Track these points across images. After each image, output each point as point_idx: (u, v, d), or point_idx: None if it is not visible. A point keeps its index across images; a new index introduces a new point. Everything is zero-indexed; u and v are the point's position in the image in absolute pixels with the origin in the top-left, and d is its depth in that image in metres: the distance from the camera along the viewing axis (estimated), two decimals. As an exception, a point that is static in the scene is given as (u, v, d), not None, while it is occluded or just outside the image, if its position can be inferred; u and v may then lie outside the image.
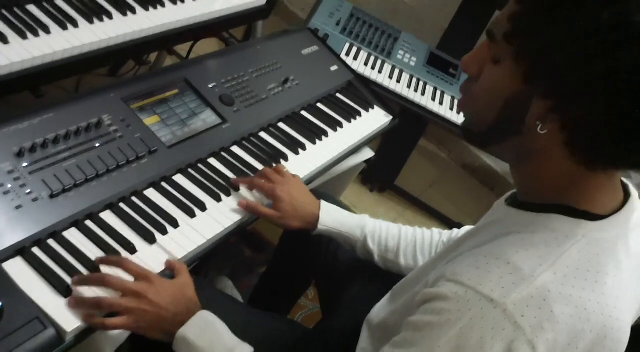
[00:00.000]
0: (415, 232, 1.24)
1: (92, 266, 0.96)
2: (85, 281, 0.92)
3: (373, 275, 1.27)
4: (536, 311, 0.70)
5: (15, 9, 1.20)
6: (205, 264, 1.86)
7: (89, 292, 0.91)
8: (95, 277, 0.93)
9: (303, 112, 1.53)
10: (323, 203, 1.24)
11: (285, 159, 1.36)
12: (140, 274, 0.96)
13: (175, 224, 1.10)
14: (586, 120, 0.71)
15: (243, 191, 1.23)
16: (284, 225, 1.21)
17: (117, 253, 1.00)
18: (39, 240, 0.96)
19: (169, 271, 1.01)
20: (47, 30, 1.20)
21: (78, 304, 0.89)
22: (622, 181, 0.83)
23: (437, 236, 1.24)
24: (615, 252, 0.78)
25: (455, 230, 1.23)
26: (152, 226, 1.07)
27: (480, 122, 0.81)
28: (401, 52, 2.17)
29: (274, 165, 1.30)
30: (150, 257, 1.02)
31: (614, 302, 0.76)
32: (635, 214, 0.81)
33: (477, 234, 0.87)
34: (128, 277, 0.95)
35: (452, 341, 0.71)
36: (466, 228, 1.18)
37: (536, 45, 0.71)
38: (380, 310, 1.06)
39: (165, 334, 0.95)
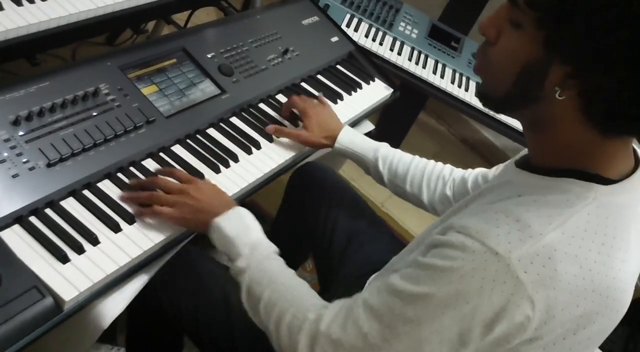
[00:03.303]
0: (426, 164, 1.28)
1: (91, 236, 0.96)
2: (138, 184, 1.06)
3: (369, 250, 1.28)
4: (539, 268, 0.72)
5: (10, -25, 1.18)
6: (204, 237, 1.86)
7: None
8: (148, 180, 1.07)
9: (303, 84, 1.51)
10: (346, 126, 1.34)
11: (285, 130, 1.35)
12: (184, 178, 1.08)
13: (173, 194, 1.09)
14: (604, 87, 0.72)
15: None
16: (309, 142, 1.31)
17: (115, 223, 0.99)
18: (36, 209, 0.95)
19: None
20: (42, -4, 1.18)
21: (132, 199, 1.03)
22: (633, 148, 0.83)
23: (447, 171, 1.26)
24: (624, 217, 0.79)
25: (469, 170, 1.25)
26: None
27: (497, 86, 0.81)
28: (402, 24, 2.14)
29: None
30: (149, 226, 1.02)
31: (619, 265, 0.78)
32: None
33: (488, 194, 0.87)
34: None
35: (452, 285, 0.74)
36: (480, 170, 1.21)
37: (559, 13, 0.71)
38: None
39: (204, 225, 1.03)
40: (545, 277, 0.72)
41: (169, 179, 1.08)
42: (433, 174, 1.26)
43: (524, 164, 0.87)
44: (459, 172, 1.26)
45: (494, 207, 0.79)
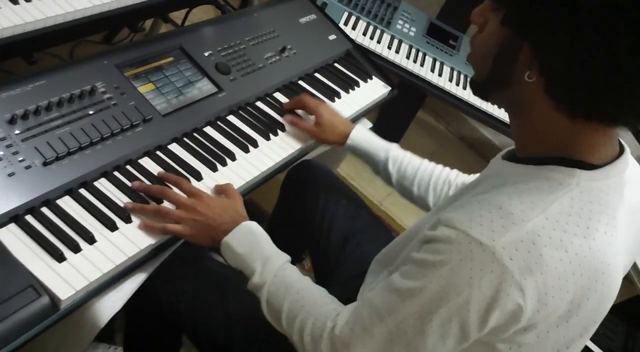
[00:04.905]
0: (434, 168, 1.29)
1: (88, 235, 0.95)
2: (147, 189, 1.05)
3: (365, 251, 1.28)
4: (525, 254, 0.73)
5: (6, -27, 1.17)
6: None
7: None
8: (156, 188, 1.06)
9: (300, 82, 1.51)
10: (358, 125, 1.37)
11: (282, 129, 1.35)
12: (193, 192, 1.07)
13: (170, 193, 1.09)
14: (557, 63, 0.73)
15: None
16: (322, 138, 1.35)
17: (112, 221, 0.99)
18: (32, 208, 0.95)
19: (219, 194, 1.12)
20: (39, -6, 1.17)
21: (140, 211, 1.02)
22: (619, 140, 0.84)
23: (453, 176, 1.28)
24: (608, 201, 0.80)
25: (472, 176, 1.26)
26: (147, 194, 1.06)
27: (479, 72, 0.84)
28: (400, 22, 2.14)
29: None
30: (144, 225, 1.02)
31: (605, 248, 0.78)
32: (630, 168, 0.84)
33: (474, 187, 0.89)
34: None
35: (442, 278, 0.75)
36: (472, 176, 1.23)
37: None
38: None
39: (213, 241, 1.04)
40: (531, 262, 0.73)
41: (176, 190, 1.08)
42: (440, 178, 1.28)
43: (510, 157, 0.88)
44: (463, 177, 1.28)
45: (478, 198, 0.79)
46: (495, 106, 2.10)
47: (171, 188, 1.08)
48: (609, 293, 0.82)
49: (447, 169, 1.30)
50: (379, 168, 1.32)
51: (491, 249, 0.72)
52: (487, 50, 0.80)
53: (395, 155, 1.31)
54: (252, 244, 1.01)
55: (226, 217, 1.04)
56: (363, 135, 1.34)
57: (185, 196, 1.07)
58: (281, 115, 1.38)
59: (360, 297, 0.88)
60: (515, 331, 0.76)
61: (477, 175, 1.23)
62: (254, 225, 1.04)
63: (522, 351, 0.79)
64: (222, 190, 1.12)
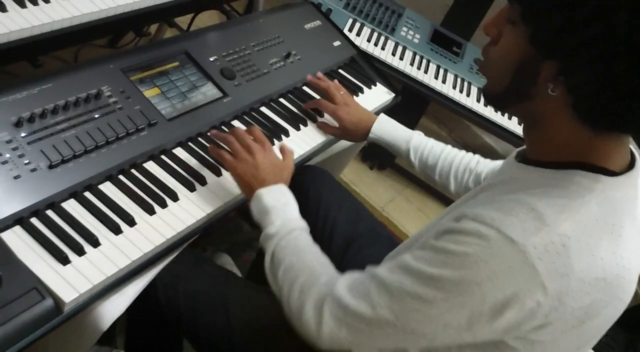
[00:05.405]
0: (455, 156, 1.32)
1: (92, 238, 0.96)
2: (217, 135, 1.18)
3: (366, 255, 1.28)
4: (554, 257, 0.73)
5: (14, -23, 1.18)
6: (204, 239, 1.86)
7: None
8: (229, 132, 1.18)
9: (305, 88, 1.51)
10: (380, 116, 1.40)
11: (287, 134, 1.35)
12: (261, 140, 1.15)
13: (175, 197, 1.09)
14: (588, 83, 0.73)
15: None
16: (347, 139, 1.42)
17: (116, 225, 0.99)
18: (37, 210, 0.95)
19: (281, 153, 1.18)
20: (46, -1, 1.18)
21: (215, 136, 1.17)
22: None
23: (474, 163, 1.31)
24: (629, 209, 0.81)
25: (495, 162, 1.28)
26: (152, 198, 1.07)
27: (496, 84, 0.84)
28: (405, 28, 2.14)
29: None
30: (150, 229, 1.02)
31: (628, 254, 0.79)
32: None
33: (493, 188, 0.89)
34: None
35: (463, 269, 0.75)
36: (494, 163, 1.27)
37: (539, 7, 0.74)
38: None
39: (249, 188, 1.09)
40: (559, 265, 0.73)
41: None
42: (461, 165, 1.31)
43: (524, 159, 0.88)
44: (483, 164, 1.30)
45: (505, 198, 0.80)
46: (498, 113, 2.11)
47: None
48: (625, 299, 0.83)
49: (470, 155, 1.33)
50: (402, 157, 1.37)
51: (522, 248, 0.73)
52: (505, 64, 0.81)
53: (417, 145, 1.34)
54: (281, 203, 1.05)
55: (271, 174, 1.10)
56: (384, 127, 1.38)
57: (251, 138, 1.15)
58: (286, 121, 1.38)
59: (366, 271, 0.89)
60: (529, 329, 0.77)
61: (498, 162, 1.26)
62: (290, 192, 1.08)
63: (536, 349, 0.79)
64: (283, 152, 1.18)
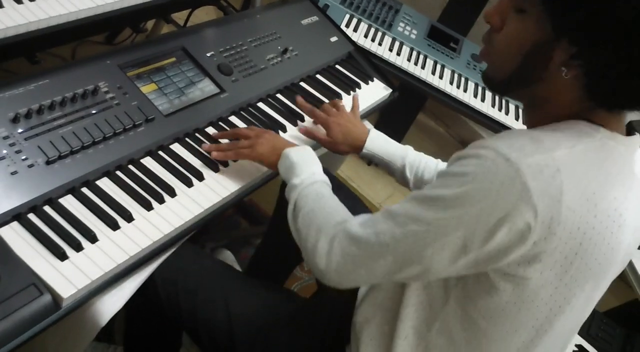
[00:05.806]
0: None
1: (90, 234, 0.96)
2: (221, 134, 1.23)
3: None
4: (548, 179, 0.75)
5: (10, -27, 1.18)
6: (203, 235, 1.86)
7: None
8: (229, 131, 1.25)
9: (302, 84, 1.51)
10: (372, 131, 1.36)
11: (284, 130, 1.35)
12: (260, 130, 1.23)
13: (172, 192, 1.09)
14: (609, 65, 0.76)
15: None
16: (334, 150, 1.36)
17: (114, 221, 0.99)
18: (35, 206, 0.95)
19: None
20: (43, -6, 1.18)
21: (214, 148, 1.19)
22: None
23: None
24: (628, 162, 0.83)
25: None
26: (149, 194, 1.07)
27: (502, 70, 0.87)
28: (402, 24, 2.14)
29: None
30: (147, 224, 1.02)
31: (622, 202, 0.81)
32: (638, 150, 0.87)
33: None
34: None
35: (462, 187, 0.78)
36: None
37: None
38: None
39: (276, 155, 1.14)
40: (551, 187, 0.75)
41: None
42: None
43: None
44: None
45: (511, 131, 0.83)
46: (495, 108, 2.11)
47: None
48: (618, 250, 0.82)
49: None
50: (395, 174, 1.35)
51: (516, 166, 0.75)
52: (514, 50, 0.83)
53: (412, 161, 1.32)
54: (308, 160, 1.10)
55: (288, 142, 1.19)
56: (378, 143, 1.34)
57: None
58: (284, 117, 1.38)
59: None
60: (518, 260, 0.78)
61: None
62: (314, 153, 1.13)
63: (525, 294, 0.80)
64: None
